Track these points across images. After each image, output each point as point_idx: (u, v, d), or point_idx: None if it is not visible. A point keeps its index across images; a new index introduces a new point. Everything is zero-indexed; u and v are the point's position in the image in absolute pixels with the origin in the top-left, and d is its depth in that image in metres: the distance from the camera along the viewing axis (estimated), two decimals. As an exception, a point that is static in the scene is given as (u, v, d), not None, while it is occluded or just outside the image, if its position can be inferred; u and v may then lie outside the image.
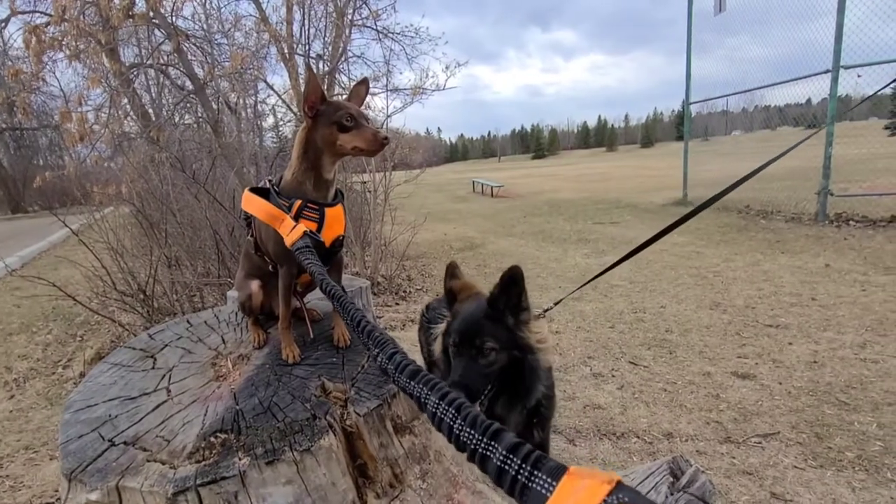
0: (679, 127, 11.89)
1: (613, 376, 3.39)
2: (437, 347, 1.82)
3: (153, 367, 1.35)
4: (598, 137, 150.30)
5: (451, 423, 0.60)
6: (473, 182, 21.49)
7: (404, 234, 6.83)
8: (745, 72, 10.73)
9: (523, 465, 0.49)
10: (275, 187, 1.31)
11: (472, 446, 0.55)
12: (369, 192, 6.53)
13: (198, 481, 0.95)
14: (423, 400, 0.67)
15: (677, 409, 2.90)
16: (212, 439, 1.06)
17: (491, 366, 1.51)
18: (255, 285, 1.39)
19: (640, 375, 3.36)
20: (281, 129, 11.39)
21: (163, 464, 1.01)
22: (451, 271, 1.70)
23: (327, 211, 1.30)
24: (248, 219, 1.38)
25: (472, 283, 1.71)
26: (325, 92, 1.28)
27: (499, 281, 1.52)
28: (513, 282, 1.51)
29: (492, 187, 18.33)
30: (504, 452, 0.51)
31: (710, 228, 8.21)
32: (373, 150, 1.28)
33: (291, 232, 1.20)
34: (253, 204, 1.28)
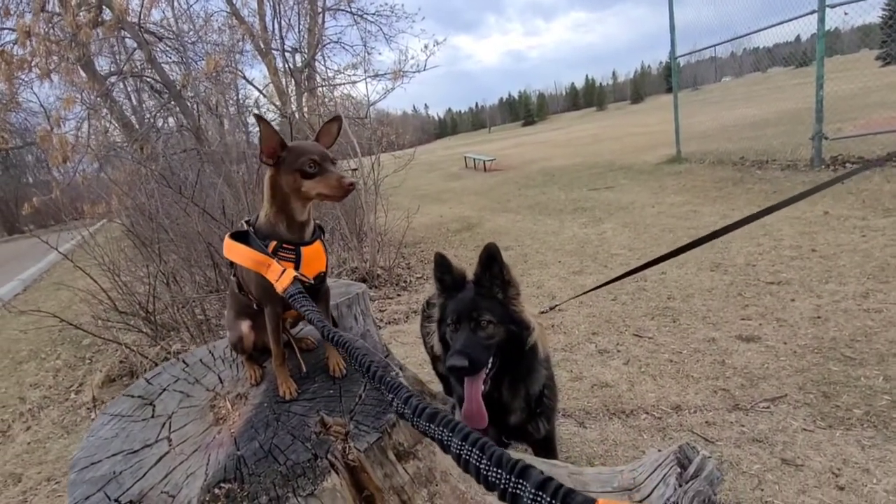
0: (668, 79, 11.67)
1: (619, 351, 3.41)
2: (435, 342, 1.83)
3: (153, 416, 1.35)
4: (587, 97, 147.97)
5: (478, 463, 0.62)
6: (465, 157, 21.29)
7: (400, 222, 6.80)
8: (729, 15, 10.43)
9: (553, 502, 0.51)
10: (252, 228, 1.29)
11: (502, 486, 0.57)
12: (360, 179, 6.46)
13: (206, 538, 0.96)
14: (446, 442, 0.69)
15: (684, 380, 2.92)
16: (216, 491, 1.06)
17: (490, 339, 1.56)
18: (245, 326, 1.38)
19: (645, 348, 3.38)
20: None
21: (170, 522, 1.01)
22: (441, 263, 1.72)
23: (303, 250, 1.28)
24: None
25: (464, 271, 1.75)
26: (283, 139, 1.23)
27: (478, 260, 1.63)
28: (491, 258, 1.62)
29: (484, 161, 18.15)
30: (533, 490, 0.53)
31: (706, 185, 8.14)
32: (338, 196, 1.25)
33: (281, 278, 1.18)
34: (236, 252, 1.26)
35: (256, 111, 10.33)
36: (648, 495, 1.40)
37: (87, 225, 5.28)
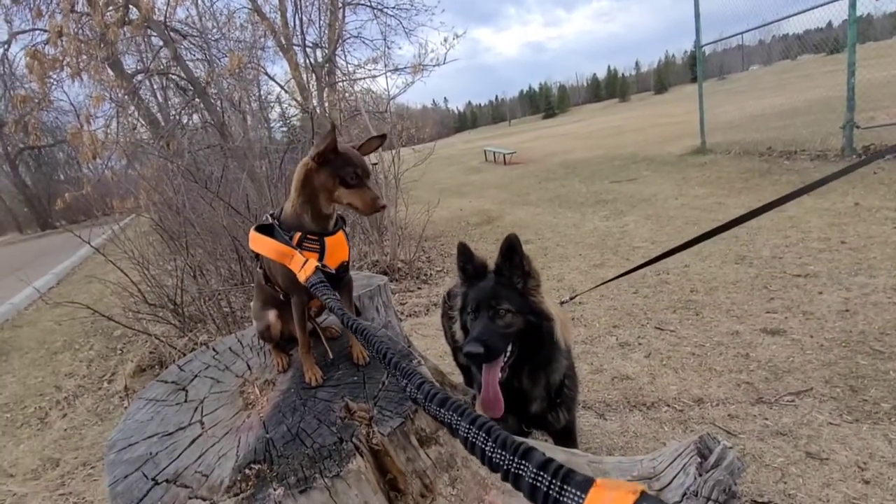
0: (693, 68, 11.37)
1: (640, 344, 3.39)
2: (457, 329, 1.86)
3: (185, 400, 1.41)
4: (610, 89, 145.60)
5: (483, 446, 0.63)
6: (485, 151, 21.21)
7: (420, 215, 6.84)
8: (758, 1, 10.12)
9: (553, 481, 0.53)
10: (277, 220, 1.33)
11: (505, 467, 0.59)
12: (380, 173, 6.51)
13: (238, 515, 1.01)
14: (454, 426, 0.71)
15: (706, 373, 2.89)
16: (246, 471, 1.10)
17: (508, 327, 1.59)
18: (272, 315, 1.43)
19: (667, 341, 3.35)
20: (289, 120, 11.38)
21: (203, 500, 1.06)
22: (463, 252, 1.74)
23: (327, 240, 1.31)
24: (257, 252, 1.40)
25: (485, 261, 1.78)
26: (337, 144, 1.27)
27: (499, 250, 1.65)
28: (511, 249, 1.64)
29: (504, 154, 18.06)
30: (535, 470, 0.55)
31: (731, 176, 7.97)
32: (366, 212, 1.31)
33: (304, 268, 1.22)
34: (261, 244, 1.30)
35: (279, 107, 10.47)
36: (668, 484, 1.41)
37: (117, 220, 5.45)
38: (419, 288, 5.46)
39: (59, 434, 3.47)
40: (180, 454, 1.21)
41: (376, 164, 6.78)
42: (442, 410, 0.75)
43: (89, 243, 4.20)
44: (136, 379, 3.97)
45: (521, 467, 0.57)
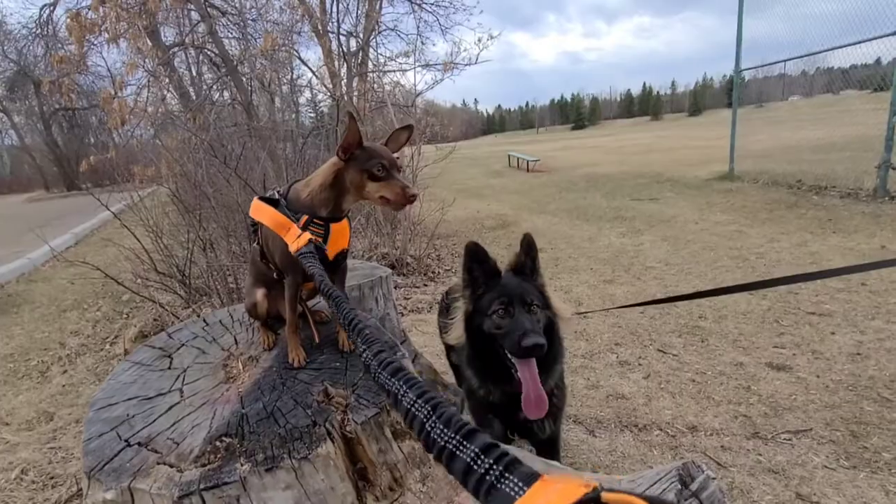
0: (730, 93, 11.11)
1: (640, 364, 3.33)
2: (456, 331, 1.84)
3: (169, 367, 1.42)
4: (643, 106, 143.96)
5: (424, 420, 0.57)
6: (509, 156, 21.13)
7: (435, 213, 6.83)
8: (804, 30, 9.87)
9: (494, 466, 0.46)
10: (284, 198, 1.33)
11: (442, 443, 0.53)
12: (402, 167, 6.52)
13: (201, 486, 1.00)
14: (399, 396, 0.65)
15: (704, 402, 2.83)
16: (217, 443, 1.10)
17: (539, 323, 1.57)
18: (259, 294, 1.43)
19: (668, 364, 3.29)
20: (318, 105, 11.46)
21: (171, 467, 1.06)
22: (475, 251, 1.70)
23: (332, 226, 1.31)
24: (255, 226, 1.40)
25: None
26: (362, 138, 1.26)
27: (520, 246, 1.70)
28: (531, 246, 1.69)
29: (528, 161, 17.97)
30: (476, 451, 0.49)
31: (756, 205, 7.81)
32: (399, 203, 1.28)
33: (297, 239, 1.21)
34: (262, 212, 1.30)
35: (309, 92, 10.56)
36: (644, 508, 1.37)
37: (138, 188, 5.54)
38: (425, 285, 5.45)
39: (58, 389, 3.54)
40: (156, 419, 1.21)
41: (397, 157, 6.80)
42: (392, 380, 0.68)
43: (107, 207, 4.28)
44: (137, 343, 4.03)
45: (461, 447, 0.51)
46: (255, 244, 1.43)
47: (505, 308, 1.59)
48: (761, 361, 3.20)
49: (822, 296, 4.14)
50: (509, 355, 1.54)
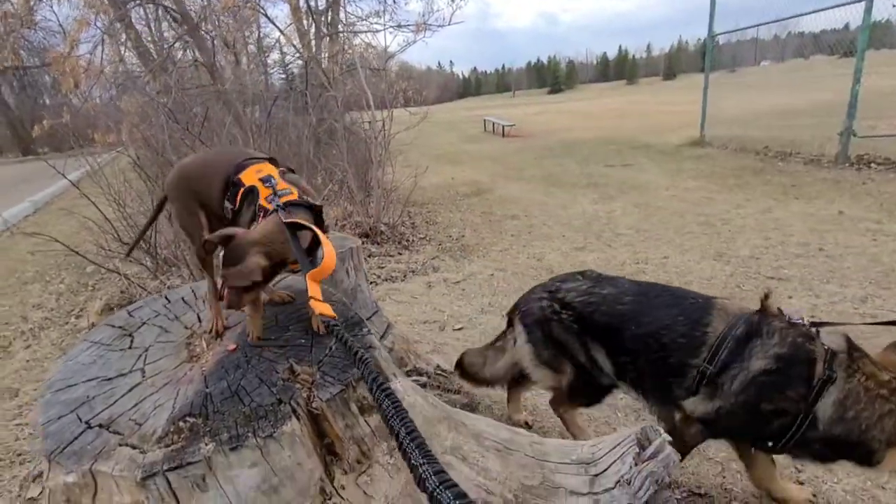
0: (704, 56, 11.10)
1: (608, 330, 3.42)
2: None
3: (130, 347, 1.39)
4: (618, 69, 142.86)
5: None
6: (485, 120, 20.89)
7: (409, 180, 6.75)
8: (775, -6, 9.90)
9: None
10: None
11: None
12: (372, 132, 6.35)
13: (165, 466, 1.00)
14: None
15: (667, 365, 2.93)
16: (181, 424, 1.10)
17: None
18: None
19: (634, 329, 3.39)
20: (288, 66, 11.00)
21: (133, 448, 1.05)
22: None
23: None
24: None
25: None
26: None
27: None
28: None
29: (503, 126, 17.81)
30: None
31: (724, 172, 7.97)
32: None
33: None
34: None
35: (278, 52, 10.13)
36: (604, 471, 1.44)
37: (98, 153, 5.30)
38: (399, 253, 5.43)
39: (21, 364, 3.46)
40: (117, 400, 1.19)
41: (369, 122, 6.64)
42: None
43: (64, 175, 4.10)
44: (103, 316, 3.93)
45: None
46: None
47: None
48: (722, 325, 3.33)
49: (781, 261, 4.30)
50: None
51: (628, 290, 1.88)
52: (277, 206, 1.25)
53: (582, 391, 2.04)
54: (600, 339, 1.88)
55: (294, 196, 1.29)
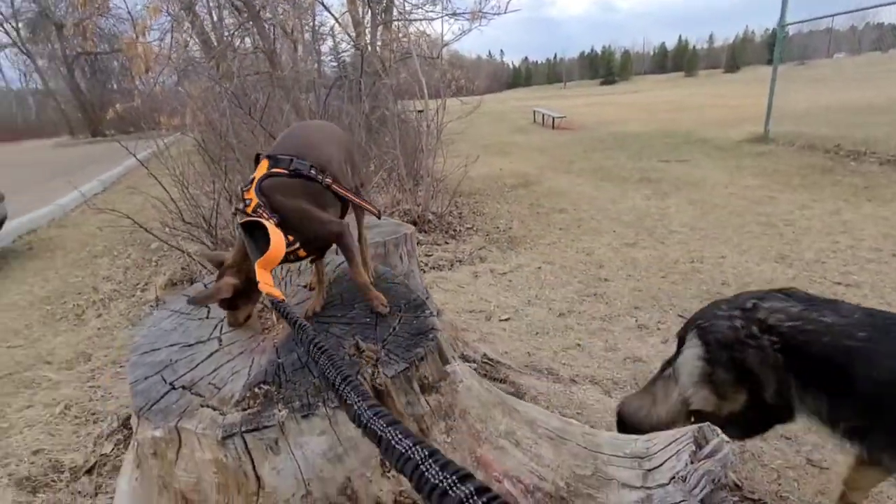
0: (771, 48, 10.40)
1: (659, 329, 3.35)
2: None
3: (207, 317, 1.48)
4: (677, 61, 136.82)
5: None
6: (534, 112, 20.57)
7: (459, 170, 6.77)
8: (856, -18, 9.25)
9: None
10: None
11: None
12: (424, 121, 6.38)
13: (243, 428, 1.07)
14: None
15: (722, 367, 2.85)
16: (256, 390, 1.17)
17: None
18: None
19: (687, 329, 3.29)
20: (340, 54, 11.17)
21: (214, 409, 1.13)
22: None
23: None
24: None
25: None
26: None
27: None
28: None
29: (553, 118, 17.48)
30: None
31: (789, 170, 7.55)
32: None
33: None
34: None
35: (331, 40, 10.29)
36: (659, 466, 1.42)
37: (163, 136, 5.57)
38: (446, 242, 5.47)
39: (93, 332, 3.72)
40: (197, 365, 1.28)
41: (421, 111, 6.68)
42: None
43: (135, 156, 4.34)
44: (166, 291, 4.18)
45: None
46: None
47: None
48: (782, 330, 3.19)
49: (850, 266, 4.06)
50: None
51: (859, 322, 1.54)
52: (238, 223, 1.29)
53: (743, 425, 1.78)
54: (813, 378, 1.59)
55: (249, 209, 1.26)
